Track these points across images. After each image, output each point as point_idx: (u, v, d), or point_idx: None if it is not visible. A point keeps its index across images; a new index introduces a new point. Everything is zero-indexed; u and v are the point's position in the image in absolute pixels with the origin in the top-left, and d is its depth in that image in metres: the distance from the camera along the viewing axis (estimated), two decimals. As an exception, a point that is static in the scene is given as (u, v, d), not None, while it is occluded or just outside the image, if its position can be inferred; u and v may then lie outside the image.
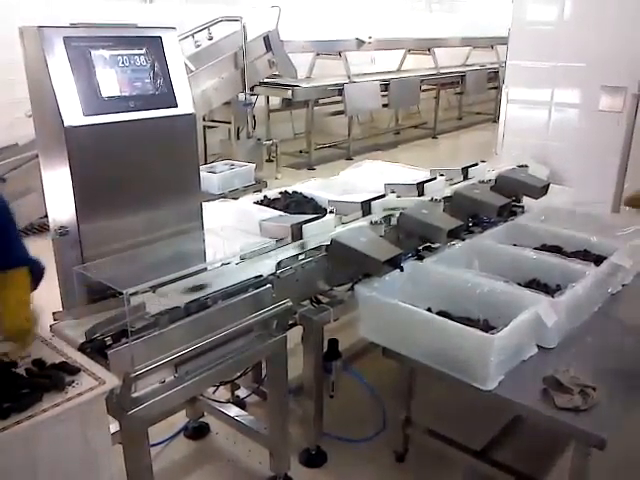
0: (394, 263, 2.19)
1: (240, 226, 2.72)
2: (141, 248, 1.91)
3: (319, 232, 2.35)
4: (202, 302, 1.83)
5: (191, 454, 2.41)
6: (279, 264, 2.08)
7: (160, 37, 1.90)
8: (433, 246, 2.61)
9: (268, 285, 1.98)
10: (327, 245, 2.24)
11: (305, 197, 3.12)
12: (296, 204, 3.03)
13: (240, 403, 2.58)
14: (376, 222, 2.42)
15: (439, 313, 2.25)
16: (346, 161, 7.76)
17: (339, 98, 7.63)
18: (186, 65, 5.94)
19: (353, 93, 7.54)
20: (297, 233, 2.33)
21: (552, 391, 1.83)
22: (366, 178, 3.45)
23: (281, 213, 2.77)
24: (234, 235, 2.50)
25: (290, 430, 2.17)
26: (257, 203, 3.01)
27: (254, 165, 5.82)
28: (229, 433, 2.43)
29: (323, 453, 2.36)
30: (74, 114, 1.69)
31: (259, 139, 6.73)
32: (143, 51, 1.86)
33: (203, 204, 3.02)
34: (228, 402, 2.44)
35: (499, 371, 1.89)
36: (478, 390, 1.87)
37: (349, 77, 7.79)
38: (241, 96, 6.43)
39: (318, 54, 7.85)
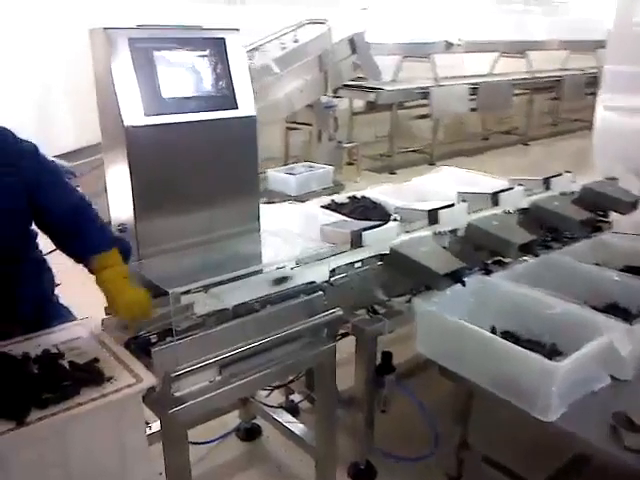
0: (455, 277, 2.08)
1: (305, 230, 2.70)
2: (196, 248, 1.92)
3: (380, 240, 2.28)
4: (250, 305, 1.81)
5: (241, 455, 2.41)
6: (333, 271, 2.03)
7: (224, 39, 1.90)
8: (504, 260, 2.47)
9: (320, 292, 1.93)
10: (386, 254, 2.16)
11: (373, 203, 3.05)
12: (363, 210, 2.97)
13: (293, 408, 2.55)
14: (440, 232, 2.31)
15: (504, 333, 2.12)
16: (429, 166, 7.58)
17: (424, 101, 7.47)
18: (270, 67, 6.07)
19: (439, 96, 7.36)
20: (356, 240, 2.27)
21: (622, 429, 1.65)
22: (441, 185, 3.32)
23: (345, 218, 2.72)
24: (293, 239, 2.48)
25: (340, 442, 2.11)
26: (324, 207, 2.98)
27: (332, 168, 5.81)
28: (280, 438, 2.41)
29: (372, 468, 2.28)
30: (134, 114, 1.72)
31: (340, 142, 6.70)
32: (206, 52, 1.87)
33: (270, 206, 3.05)
34: (280, 407, 2.42)
35: (562, 402, 1.74)
36: (538, 421, 1.73)
37: (436, 80, 7.61)
38: (324, 99, 6.43)
39: (405, 57, 7.71)
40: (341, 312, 1.90)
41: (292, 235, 2.55)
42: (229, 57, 1.91)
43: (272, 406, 2.36)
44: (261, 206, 2.81)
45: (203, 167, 1.90)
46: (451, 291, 2.12)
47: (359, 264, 2.12)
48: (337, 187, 5.88)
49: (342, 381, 2.30)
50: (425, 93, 7.30)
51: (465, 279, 2.11)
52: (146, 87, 1.74)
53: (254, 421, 2.53)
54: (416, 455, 2.29)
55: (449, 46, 7.81)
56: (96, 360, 1.48)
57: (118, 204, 1.88)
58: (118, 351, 1.55)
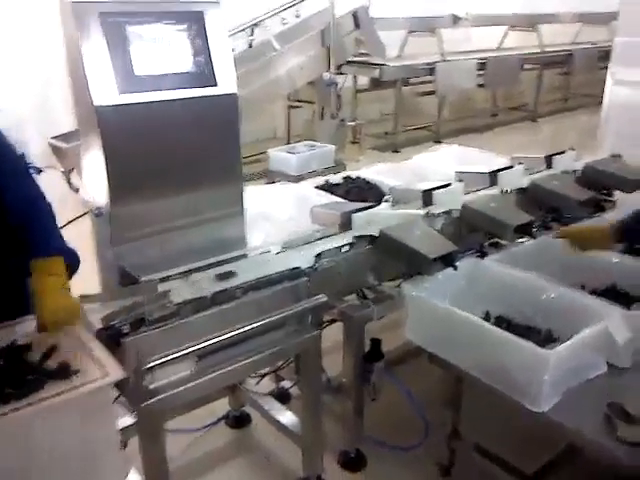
0: (447, 261, 2.00)
1: (297, 212, 2.63)
2: (175, 232, 1.85)
3: (370, 222, 2.20)
4: (231, 292, 1.74)
5: (229, 443, 2.37)
6: (319, 256, 1.96)
7: (202, 12, 1.81)
8: (500, 242, 2.38)
9: (304, 278, 1.86)
10: (376, 237, 2.08)
11: (368, 183, 2.96)
12: (358, 190, 2.89)
13: (284, 395, 2.50)
14: (433, 214, 2.22)
15: (497, 319, 2.05)
16: (434, 144, 7.42)
17: (430, 78, 7.30)
18: (271, 44, 5.93)
19: (446, 72, 7.18)
20: (346, 222, 2.20)
21: (616, 420, 1.58)
22: (440, 164, 3.22)
23: (338, 200, 2.64)
24: (281, 222, 2.40)
25: (330, 430, 2.05)
26: (318, 188, 2.90)
27: (333, 147, 5.69)
28: (270, 427, 2.36)
29: (363, 457, 2.23)
30: (105, 93, 1.63)
31: (342, 120, 6.57)
32: (183, 27, 1.77)
33: (261, 187, 2.96)
34: (269, 394, 2.36)
35: (555, 391, 1.66)
36: (530, 411, 1.66)
37: (442, 55, 7.42)
38: (325, 75, 6.29)
39: (410, 32, 7.52)
40: (325, 298, 1.83)
41: (281, 218, 2.49)
42: (208, 31, 1.81)
43: (261, 394, 2.30)
44: (252, 187, 2.75)
45: (182, 148, 1.82)
46: (443, 275, 2.05)
47: (347, 248, 2.04)
48: (339, 167, 5.76)
49: (331, 368, 2.24)
50: (431, 69, 7.13)
51: (457, 263, 2.03)
52: (118, 64, 1.65)
53: (244, 408, 2.49)
54: (407, 444, 2.23)
55: (456, 20, 7.61)
56: (56, 350, 1.42)
57: (93, 187, 1.81)
58: (88, 342, 1.49)
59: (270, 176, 5.65)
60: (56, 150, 4.97)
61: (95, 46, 1.62)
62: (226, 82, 1.85)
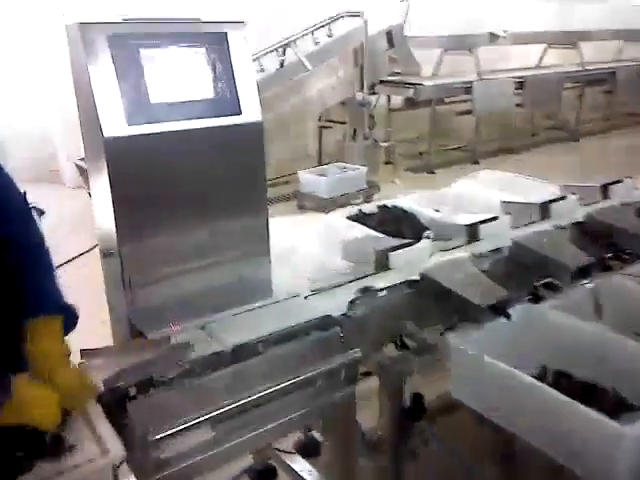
0: (498, 309, 1.76)
1: (327, 246, 2.43)
2: (192, 274, 1.67)
3: (410, 261, 1.99)
4: (252, 346, 1.54)
5: (252, 502, 2.16)
6: (353, 302, 1.74)
7: (225, 33, 1.63)
8: (556, 283, 2.12)
9: (336, 328, 1.65)
10: (417, 280, 1.86)
11: (405, 213, 2.74)
12: (393, 221, 2.66)
13: (313, 446, 2.27)
14: (480, 254, 1.99)
15: (556, 374, 1.80)
16: (472, 165, 7.20)
17: (467, 97, 7.08)
18: (302, 63, 5.80)
19: (483, 91, 6.96)
20: (382, 261, 1.98)
21: None
22: (482, 192, 2.98)
23: (372, 233, 2.42)
24: (309, 257, 2.20)
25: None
26: (350, 218, 2.69)
27: (366, 169, 5.53)
28: (297, 483, 2.14)
29: (400, 525, 1.99)
30: (116, 123, 1.47)
31: (376, 140, 6.38)
32: (203, 50, 1.60)
33: (289, 218, 2.76)
34: (296, 448, 2.15)
35: (632, 475, 1.41)
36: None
37: (479, 74, 7.19)
38: (358, 95, 6.12)
39: (446, 50, 7.32)
40: (359, 355, 1.61)
41: (309, 252, 2.29)
42: (232, 54, 1.64)
43: (286, 451, 2.09)
44: (278, 219, 2.55)
45: (200, 182, 1.64)
46: (493, 324, 1.81)
47: (384, 292, 1.82)
48: (372, 189, 5.60)
49: (370, 418, 2.01)
50: (467, 88, 6.91)
51: (510, 310, 1.79)
52: (131, 91, 1.49)
53: (270, 461, 2.27)
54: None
55: (494, 38, 7.38)
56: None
57: (104, 224, 1.64)
58: (90, 408, 1.30)
59: (300, 198, 5.49)
60: (82, 171, 4.90)
61: (104, 72, 1.45)
62: (251, 109, 1.67)
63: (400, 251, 1.99)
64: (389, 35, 6.27)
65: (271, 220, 1.86)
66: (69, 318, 1.39)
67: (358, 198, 5.37)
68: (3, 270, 1.33)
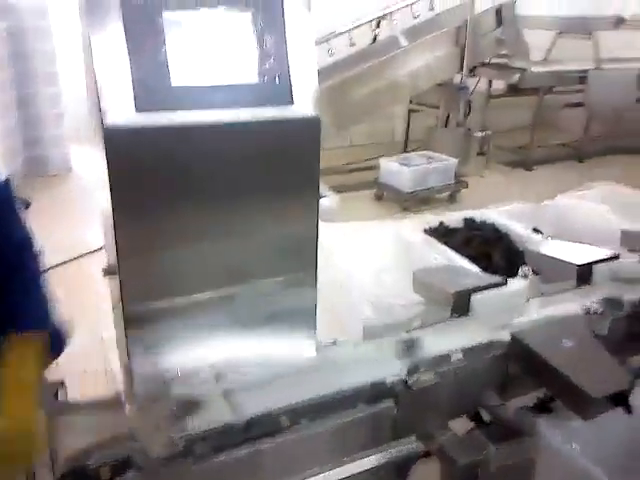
0: (618, 400, 1.29)
1: (397, 263, 2.01)
2: (213, 306, 1.30)
3: (498, 308, 1.53)
4: (273, 419, 1.16)
5: None
6: (415, 368, 1.32)
7: (281, -7, 1.22)
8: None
9: (389, 401, 1.24)
10: (505, 341, 1.41)
11: (497, 232, 2.26)
12: (481, 241, 2.20)
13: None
14: (595, 312, 1.50)
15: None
16: (578, 163, 6.44)
17: (577, 87, 6.28)
18: (397, 40, 5.28)
19: (600, 82, 6.13)
20: (462, 305, 1.54)
21: None
22: (595, 213, 2.44)
23: (452, 256, 1.98)
24: (370, 277, 1.79)
25: None
26: (429, 232, 2.24)
27: (455, 161, 4.98)
28: None
29: None
30: (122, 109, 1.11)
31: (470, 129, 5.78)
32: (248, 15, 1.20)
33: (350, 224, 2.32)
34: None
35: None
36: None
37: (597, 62, 6.35)
38: (457, 78, 5.53)
39: (561, 33, 6.51)
40: (416, 444, 1.20)
41: (371, 270, 1.88)
42: (287, 22, 1.23)
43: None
44: (341, 225, 2.15)
45: (229, 191, 1.26)
46: (605, 417, 1.33)
47: (459, 355, 1.38)
48: (459, 185, 5.04)
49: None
50: (582, 77, 6.11)
51: (633, 401, 1.31)
52: (145, 68, 1.12)
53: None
54: None
55: (619, 22, 6.47)
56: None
57: (107, 233, 1.30)
58: (39, 492, 0.97)
59: (379, 189, 5.04)
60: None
61: (111, 39, 1.09)
62: (305, 99, 1.26)
63: (486, 294, 1.53)
64: (498, 13, 5.61)
65: (330, 228, 1.46)
66: (56, 338, 1.08)
67: (442, 194, 4.86)
68: None
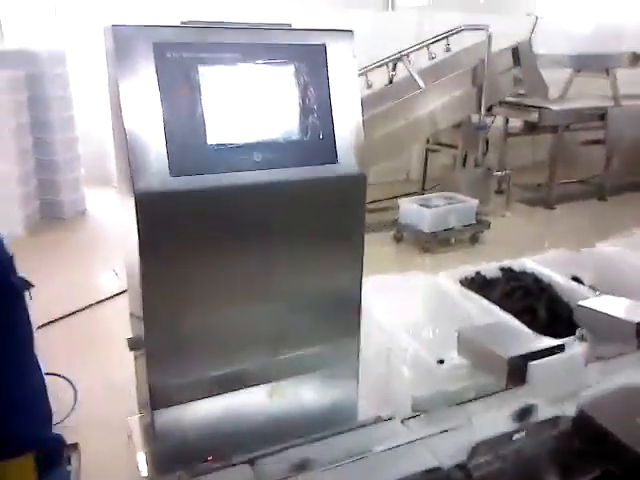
0: None
1: (434, 318, 1.89)
2: (246, 387, 1.18)
3: (557, 377, 1.40)
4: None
5: None
6: (476, 449, 1.18)
7: (324, 46, 1.14)
8: None
9: (448, 492, 1.10)
10: (570, 417, 1.27)
11: (539, 283, 2.13)
12: (524, 294, 2.06)
13: None
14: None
15: None
16: (598, 202, 6.31)
17: (596, 124, 6.22)
18: (414, 80, 5.25)
19: (620, 119, 6.07)
20: (518, 373, 1.40)
21: None
22: (640, 260, 2.31)
23: (496, 310, 1.84)
24: (411, 334, 1.66)
25: None
26: (464, 283, 2.11)
27: (476, 202, 4.87)
28: None
29: None
30: (155, 173, 1.01)
31: (489, 169, 5.69)
32: (290, 69, 1.11)
33: (379, 277, 2.17)
34: None
35: None
36: None
37: (615, 99, 6.30)
38: (475, 117, 5.47)
39: (578, 71, 6.48)
40: None
41: (408, 323, 1.75)
42: (331, 76, 1.14)
43: None
44: (373, 277, 2.01)
45: (269, 258, 1.15)
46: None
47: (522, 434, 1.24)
48: (481, 225, 4.93)
49: None
50: (602, 115, 6.04)
51: None
52: (179, 126, 1.03)
53: None
54: None
55: (636, 59, 6.44)
56: None
57: (134, 303, 1.19)
58: None
59: (398, 230, 4.94)
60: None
61: (142, 94, 1.00)
62: (350, 156, 1.16)
63: (545, 361, 1.40)
64: (515, 52, 5.58)
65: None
66: (45, 455, 0.93)
67: (464, 235, 4.74)
68: None
